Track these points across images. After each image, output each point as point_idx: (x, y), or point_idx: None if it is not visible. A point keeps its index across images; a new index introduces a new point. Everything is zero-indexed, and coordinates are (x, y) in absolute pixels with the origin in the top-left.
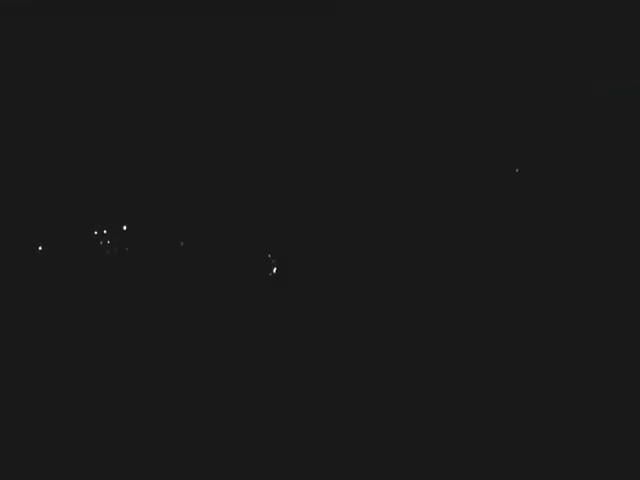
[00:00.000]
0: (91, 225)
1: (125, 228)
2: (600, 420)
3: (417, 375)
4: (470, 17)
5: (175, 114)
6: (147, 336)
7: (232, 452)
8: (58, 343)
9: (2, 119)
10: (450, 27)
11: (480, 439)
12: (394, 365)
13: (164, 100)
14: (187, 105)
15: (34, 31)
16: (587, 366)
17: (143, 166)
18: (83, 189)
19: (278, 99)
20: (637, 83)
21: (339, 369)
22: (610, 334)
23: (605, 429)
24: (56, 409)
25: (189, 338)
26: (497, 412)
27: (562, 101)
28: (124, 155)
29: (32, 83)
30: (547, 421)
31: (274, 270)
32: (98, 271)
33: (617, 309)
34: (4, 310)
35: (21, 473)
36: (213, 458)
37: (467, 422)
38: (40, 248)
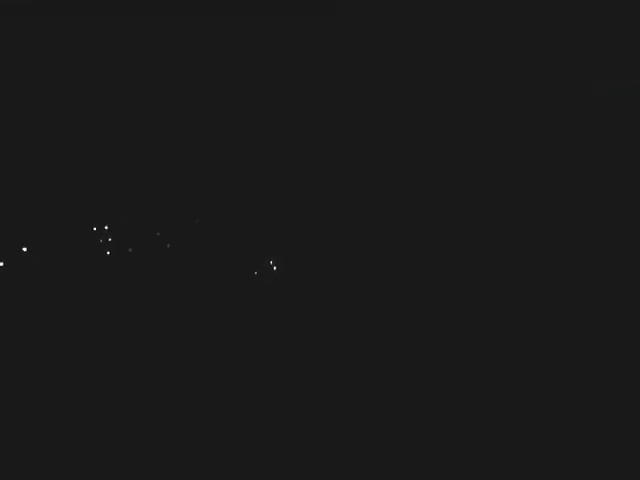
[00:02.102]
0: (92, 225)
1: (126, 229)
2: (600, 420)
3: (418, 375)
4: (470, 17)
5: (175, 114)
6: (148, 336)
7: (232, 452)
8: (59, 342)
9: (2, 119)
10: (450, 27)
11: (480, 439)
12: (395, 365)
13: (164, 101)
14: (187, 105)
15: (34, 31)
16: (587, 366)
17: (144, 166)
18: (83, 189)
19: (278, 99)
20: (637, 83)
21: (339, 369)
22: (610, 334)
23: (605, 429)
24: (55, 409)
25: (189, 338)
26: (497, 412)
27: (562, 101)
28: (125, 155)
29: (32, 83)
30: (547, 421)
31: (274, 270)
32: (99, 271)
33: (617, 309)
34: (5, 310)
35: (21, 473)
36: (213, 458)
37: (467, 422)
38: (39, 248)
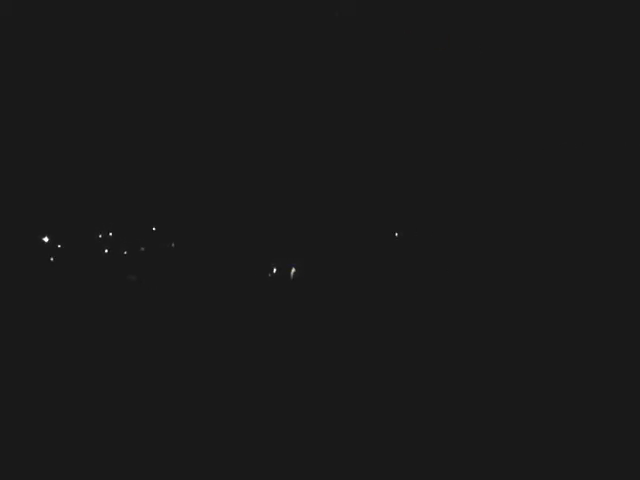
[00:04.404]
0: (93, 226)
1: (130, 229)
2: (600, 421)
3: (418, 375)
4: (470, 17)
5: (175, 115)
6: (148, 336)
7: (232, 452)
8: (60, 342)
9: (2, 120)
10: (450, 27)
11: (480, 439)
12: (395, 364)
13: (164, 101)
14: (187, 106)
15: (34, 31)
16: (587, 366)
17: (145, 166)
18: (84, 189)
19: (278, 99)
20: (637, 83)
21: (340, 369)
22: (610, 334)
23: (605, 430)
24: (56, 408)
25: (190, 338)
26: (497, 412)
27: (562, 101)
28: (126, 155)
29: (32, 84)
30: (547, 421)
31: (274, 270)
32: (100, 272)
33: (617, 310)
34: (6, 310)
35: (21, 473)
36: (213, 458)
37: (467, 422)
38: (39, 248)
